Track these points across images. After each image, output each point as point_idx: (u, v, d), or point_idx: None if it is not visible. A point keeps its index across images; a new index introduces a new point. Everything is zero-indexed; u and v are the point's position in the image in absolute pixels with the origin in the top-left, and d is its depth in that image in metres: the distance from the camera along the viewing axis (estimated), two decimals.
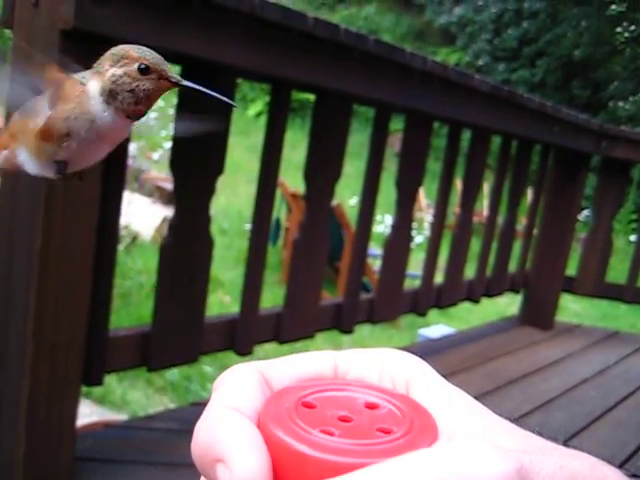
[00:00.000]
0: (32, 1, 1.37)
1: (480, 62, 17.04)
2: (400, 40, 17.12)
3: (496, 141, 3.39)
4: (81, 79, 0.37)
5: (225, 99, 0.43)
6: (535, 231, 3.88)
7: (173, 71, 0.40)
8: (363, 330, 5.14)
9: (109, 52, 0.38)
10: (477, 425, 0.32)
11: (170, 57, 1.71)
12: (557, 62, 16.04)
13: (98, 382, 1.74)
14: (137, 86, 0.36)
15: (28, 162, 0.37)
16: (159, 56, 0.38)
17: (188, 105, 1.78)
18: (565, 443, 0.34)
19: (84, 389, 1.77)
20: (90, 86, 0.36)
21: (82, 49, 1.37)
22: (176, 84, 0.37)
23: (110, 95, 0.36)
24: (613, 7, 15.19)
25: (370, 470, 0.27)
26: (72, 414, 1.58)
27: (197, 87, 0.40)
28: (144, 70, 0.36)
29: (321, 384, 0.36)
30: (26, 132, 0.37)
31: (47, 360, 1.47)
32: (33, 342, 1.44)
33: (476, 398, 0.35)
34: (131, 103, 0.36)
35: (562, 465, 0.29)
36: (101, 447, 1.87)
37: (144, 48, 0.39)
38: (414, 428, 0.31)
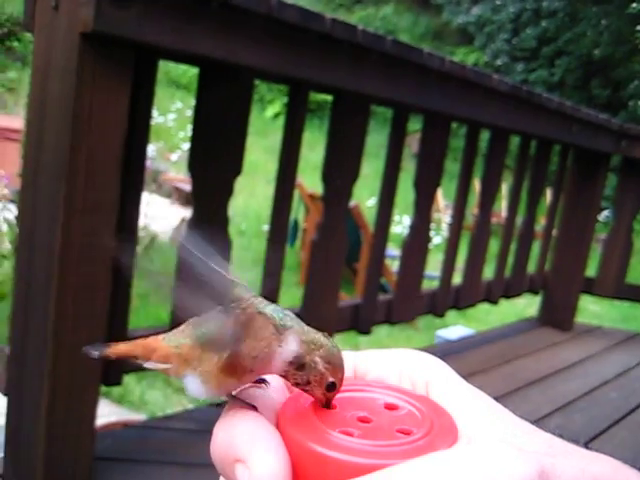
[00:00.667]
0: (52, 5, 1.38)
1: (498, 62, 16.97)
2: (418, 40, 17.08)
3: (515, 141, 3.37)
4: (278, 321, 0.36)
5: None
6: (554, 232, 3.85)
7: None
8: (381, 331, 5.13)
9: (331, 342, 0.36)
10: (498, 427, 0.31)
11: (189, 58, 1.72)
12: (576, 61, 15.92)
13: (117, 382, 1.76)
14: (312, 385, 0.35)
15: (197, 388, 0.36)
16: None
17: (205, 106, 1.79)
18: (586, 445, 0.33)
19: (103, 389, 1.78)
20: (290, 339, 0.36)
21: (101, 51, 1.38)
22: (325, 403, 0.35)
23: (298, 365, 0.35)
24: (634, 5, 15.04)
25: (390, 471, 0.27)
26: (91, 414, 1.59)
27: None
28: (330, 386, 0.35)
29: None
30: (203, 362, 0.36)
31: (67, 360, 1.49)
32: (53, 342, 1.45)
33: (495, 399, 0.34)
34: (295, 380, 0.35)
35: (584, 468, 0.29)
36: (120, 447, 1.88)
37: (348, 370, 0.37)
38: (434, 429, 0.31)
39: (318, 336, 0.36)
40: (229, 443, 0.31)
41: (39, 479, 1.51)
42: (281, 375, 0.36)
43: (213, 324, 0.38)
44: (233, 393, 0.36)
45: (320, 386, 0.35)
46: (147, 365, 0.40)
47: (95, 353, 0.41)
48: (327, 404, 0.35)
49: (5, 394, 1.65)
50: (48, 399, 1.48)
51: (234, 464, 0.30)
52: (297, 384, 0.36)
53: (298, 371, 0.35)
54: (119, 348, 0.40)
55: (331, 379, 0.35)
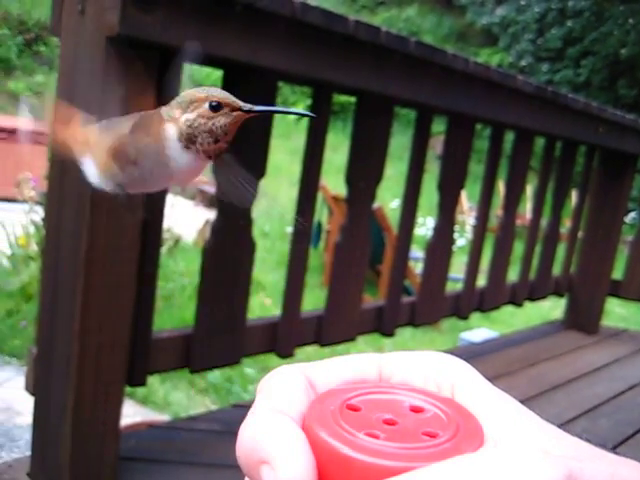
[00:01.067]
0: (78, 9, 1.40)
1: (523, 63, 16.84)
2: (441, 41, 17.02)
3: (540, 143, 3.34)
4: (166, 115, 0.37)
5: (305, 112, 0.44)
6: (580, 234, 3.81)
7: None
8: (404, 333, 5.12)
9: (175, 100, 0.37)
10: (525, 430, 0.31)
11: (212, 61, 1.73)
12: (603, 62, 15.75)
13: (141, 383, 1.77)
14: (213, 124, 0.35)
15: (90, 171, 0.37)
16: (225, 92, 0.38)
17: None
18: (613, 450, 0.33)
19: (127, 390, 1.79)
20: (167, 129, 0.36)
21: (126, 54, 1.39)
22: (250, 112, 0.36)
23: (188, 140, 0.36)
24: None
25: (416, 474, 0.27)
26: (116, 414, 1.60)
27: (273, 109, 0.40)
28: (216, 107, 0.35)
29: (366, 387, 0.36)
30: (98, 144, 0.37)
31: (92, 361, 1.50)
32: (78, 343, 1.46)
33: (519, 403, 0.34)
34: (211, 142, 0.36)
35: (613, 473, 0.29)
36: (144, 447, 1.89)
37: (207, 87, 0.38)
38: (460, 432, 0.31)
39: (174, 113, 0.37)
40: (254, 444, 0.31)
41: (65, 478, 1.53)
42: (188, 145, 0.36)
43: (118, 119, 0.39)
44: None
45: (211, 119, 0.35)
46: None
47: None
48: (250, 110, 0.35)
49: (32, 394, 1.67)
50: (74, 399, 1.49)
51: (259, 465, 0.30)
52: (211, 148, 0.36)
53: (196, 141, 0.36)
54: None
55: (206, 104, 0.35)
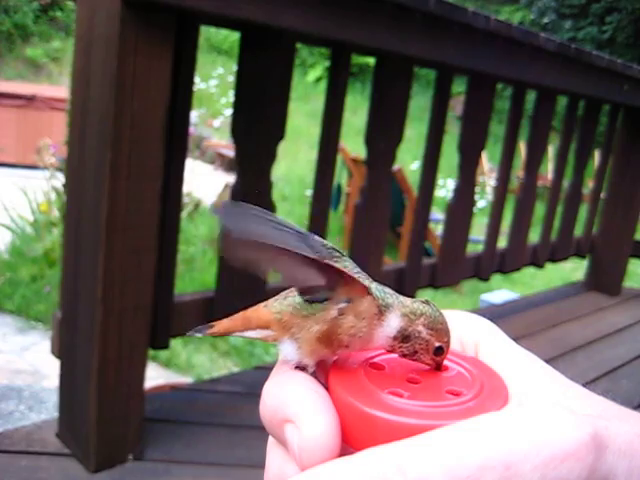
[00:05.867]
0: None
1: (545, 20, 16.48)
2: None
3: (562, 102, 3.28)
4: (381, 301, 0.37)
5: None
6: (602, 194, 3.77)
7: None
8: (425, 295, 5.13)
9: (431, 307, 0.37)
10: (550, 389, 0.31)
11: (230, 23, 1.71)
12: (628, 18, 15.36)
13: (164, 346, 1.79)
14: (420, 353, 0.35)
15: (291, 352, 0.37)
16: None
17: (247, 72, 1.78)
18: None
19: (151, 353, 1.82)
20: (391, 318, 0.36)
21: (142, 17, 1.38)
22: (436, 367, 0.36)
23: (402, 338, 0.36)
24: None
25: (440, 432, 0.27)
26: (140, 376, 1.63)
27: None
28: (437, 350, 0.35)
29: None
30: (302, 329, 0.37)
31: (115, 324, 1.52)
32: (102, 307, 1.48)
33: None
34: (402, 352, 0.36)
35: (638, 432, 0.28)
36: (168, 409, 1.93)
37: (449, 326, 0.37)
38: (484, 391, 0.31)
39: (417, 305, 0.37)
40: (279, 403, 0.31)
41: (92, 438, 1.56)
42: (387, 350, 0.36)
43: (319, 296, 0.38)
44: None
45: (428, 352, 0.35)
46: (247, 335, 0.40)
47: (199, 335, 0.42)
48: (438, 367, 0.35)
49: (58, 357, 1.70)
50: (98, 362, 1.52)
51: (284, 424, 0.30)
52: (405, 355, 0.36)
53: (404, 343, 0.36)
54: (222, 325, 0.41)
55: (437, 344, 0.35)
